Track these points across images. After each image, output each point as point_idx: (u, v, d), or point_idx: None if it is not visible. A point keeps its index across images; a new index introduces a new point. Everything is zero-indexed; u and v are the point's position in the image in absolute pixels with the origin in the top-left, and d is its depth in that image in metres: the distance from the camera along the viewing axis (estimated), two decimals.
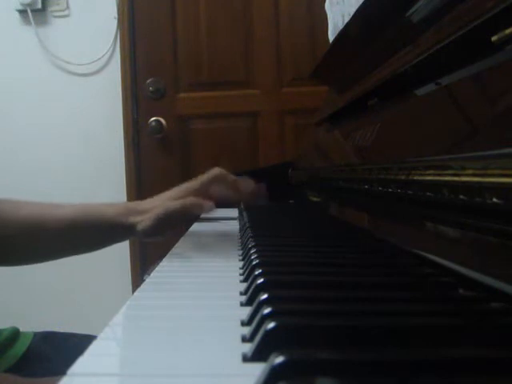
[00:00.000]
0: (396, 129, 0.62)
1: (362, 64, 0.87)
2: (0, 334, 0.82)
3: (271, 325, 0.28)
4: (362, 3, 0.77)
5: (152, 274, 0.53)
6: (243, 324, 0.35)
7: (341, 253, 0.56)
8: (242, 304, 0.40)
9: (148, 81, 1.94)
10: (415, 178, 0.45)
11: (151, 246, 1.90)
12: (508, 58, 0.39)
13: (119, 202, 0.90)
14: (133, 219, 0.75)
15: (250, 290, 0.41)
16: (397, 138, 0.61)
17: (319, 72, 1.19)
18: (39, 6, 1.96)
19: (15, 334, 0.83)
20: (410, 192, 0.46)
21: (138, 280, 1.88)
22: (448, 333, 0.29)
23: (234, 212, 1.08)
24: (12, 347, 0.81)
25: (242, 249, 0.64)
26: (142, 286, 0.48)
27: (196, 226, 0.96)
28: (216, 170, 0.81)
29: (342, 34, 0.93)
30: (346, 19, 0.95)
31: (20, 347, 0.82)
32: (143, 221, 0.74)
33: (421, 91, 0.57)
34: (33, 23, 1.98)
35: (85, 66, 1.98)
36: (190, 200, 0.75)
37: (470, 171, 0.35)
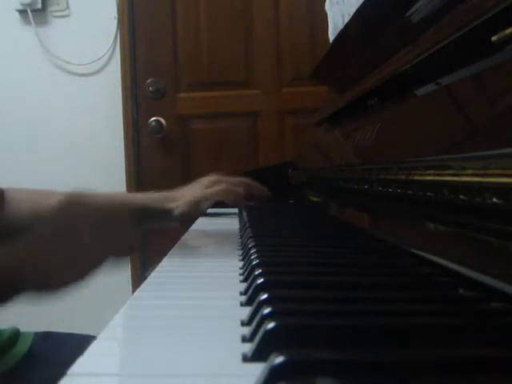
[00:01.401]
0: (396, 129, 0.62)
1: (361, 64, 0.87)
2: (0, 334, 0.82)
3: (271, 325, 0.28)
4: (362, 3, 0.77)
5: (152, 274, 0.53)
6: (243, 324, 0.35)
7: (341, 253, 0.56)
8: (242, 304, 0.40)
9: (148, 81, 1.94)
10: (415, 178, 0.45)
11: (151, 246, 1.89)
12: (508, 57, 0.39)
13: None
14: (170, 205, 0.81)
15: (250, 290, 0.41)
16: (397, 138, 0.61)
17: (319, 72, 1.19)
18: (39, 6, 1.96)
19: (15, 335, 0.83)
20: (410, 192, 0.46)
21: (137, 280, 1.88)
22: (448, 333, 0.29)
23: (233, 209, 1.08)
24: (13, 347, 0.81)
25: (242, 249, 0.64)
26: (142, 285, 0.48)
27: (196, 226, 0.96)
28: (245, 180, 0.91)
29: (342, 34, 0.93)
30: (346, 19, 0.95)
31: (21, 347, 0.82)
32: (179, 206, 0.80)
33: (421, 91, 0.57)
34: (33, 23, 1.98)
35: (85, 66, 1.98)
36: (226, 187, 0.81)
37: (470, 171, 0.35)
